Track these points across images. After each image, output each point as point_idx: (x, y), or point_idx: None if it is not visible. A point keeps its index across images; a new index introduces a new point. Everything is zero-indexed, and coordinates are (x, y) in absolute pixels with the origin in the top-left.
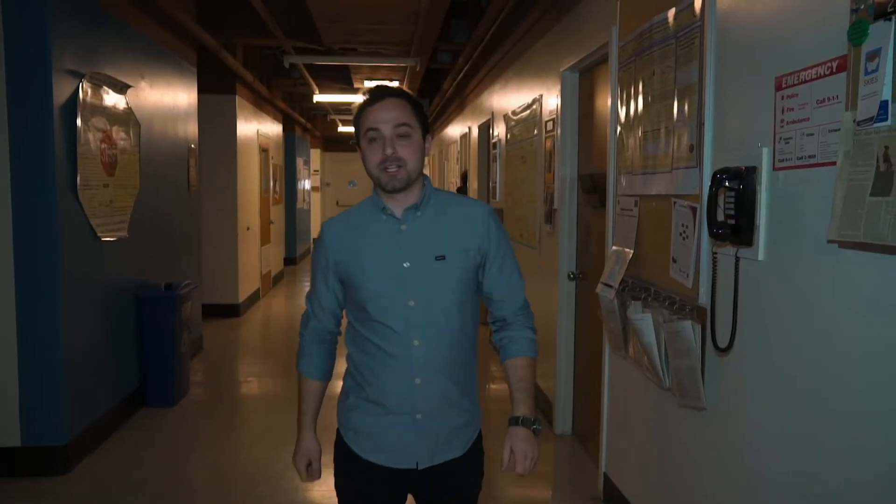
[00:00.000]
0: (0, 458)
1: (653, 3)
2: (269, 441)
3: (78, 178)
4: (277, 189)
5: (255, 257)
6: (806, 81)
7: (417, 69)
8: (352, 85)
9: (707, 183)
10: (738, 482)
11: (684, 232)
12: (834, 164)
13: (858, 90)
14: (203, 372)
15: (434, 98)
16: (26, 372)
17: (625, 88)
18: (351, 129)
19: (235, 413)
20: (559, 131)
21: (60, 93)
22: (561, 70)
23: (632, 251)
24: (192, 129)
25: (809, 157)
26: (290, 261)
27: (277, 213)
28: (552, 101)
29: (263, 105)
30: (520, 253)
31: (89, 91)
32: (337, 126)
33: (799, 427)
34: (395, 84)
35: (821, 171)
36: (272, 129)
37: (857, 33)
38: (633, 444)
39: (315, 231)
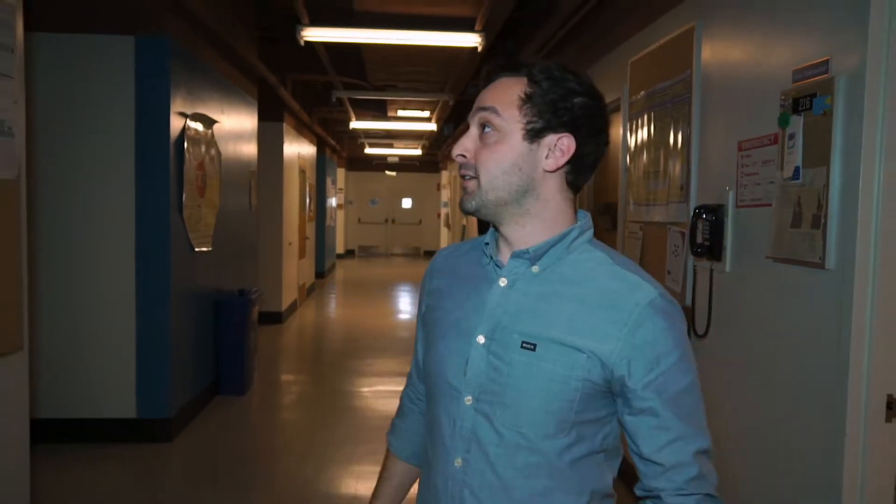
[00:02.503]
0: (120, 426)
1: (654, 74)
2: (318, 424)
3: (183, 199)
4: (311, 207)
5: (294, 270)
6: (756, 147)
7: (450, 103)
8: (385, 113)
9: (691, 214)
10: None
11: (676, 251)
12: (770, 205)
13: (784, 157)
14: (259, 370)
15: (460, 124)
16: (142, 357)
17: (633, 136)
18: (377, 150)
19: (290, 402)
20: None
21: (173, 130)
22: None
23: None
24: (253, 154)
25: (758, 199)
26: (319, 275)
27: (310, 230)
28: None
29: (303, 130)
30: None
31: (191, 128)
32: (364, 147)
33: (753, 391)
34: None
35: (765, 209)
36: (309, 151)
37: (783, 120)
38: None
39: (340, 247)
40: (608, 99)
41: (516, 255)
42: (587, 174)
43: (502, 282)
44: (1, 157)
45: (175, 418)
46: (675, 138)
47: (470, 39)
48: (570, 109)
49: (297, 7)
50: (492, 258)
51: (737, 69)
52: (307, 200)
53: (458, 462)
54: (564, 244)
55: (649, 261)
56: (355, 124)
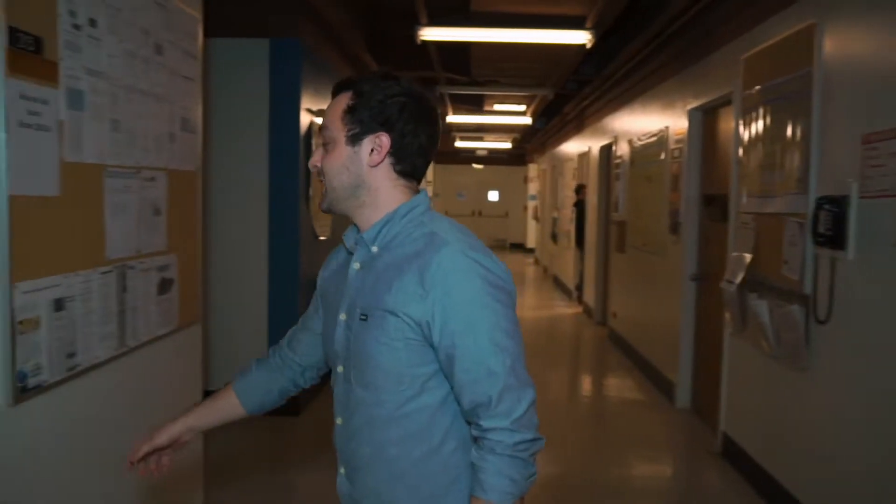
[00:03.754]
0: None
1: (770, 70)
2: None
3: (310, 190)
4: None
5: None
6: (884, 140)
7: (550, 98)
8: (482, 107)
9: (812, 206)
10: (827, 425)
11: (793, 240)
12: None
13: None
14: None
15: (553, 118)
16: (273, 336)
17: (746, 129)
18: (468, 144)
19: None
20: (686, 159)
21: (302, 126)
22: (688, 108)
23: (750, 255)
24: None
25: (884, 190)
26: None
27: None
28: (678, 132)
29: None
30: (644, 260)
31: (316, 123)
32: (454, 141)
33: (875, 381)
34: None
35: (891, 200)
36: None
37: None
38: (748, 405)
39: None
40: (715, 94)
41: (359, 242)
42: (416, 160)
43: (356, 265)
44: (186, 151)
45: (303, 393)
46: (792, 132)
47: (580, 37)
48: (385, 109)
49: (417, 7)
50: (347, 248)
51: (861, 65)
52: None
53: (339, 420)
54: (395, 221)
55: (763, 250)
56: (451, 118)
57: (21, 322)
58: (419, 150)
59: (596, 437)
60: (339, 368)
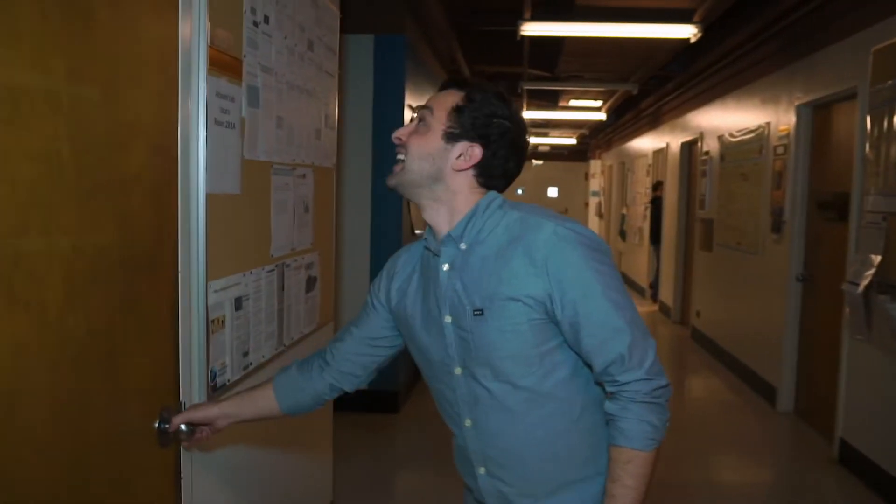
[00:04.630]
0: (353, 397)
1: None
2: None
3: None
4: None
5: None
6: None
7: (634, 93)
8: (557, 103)
9: None
10: None
11: None
12: None
13: None
14: None
15: (625, 114)
16: None
17: (875, 126)
18: (533, 139)
19: None
20: (792, 156)
21: (405, 120)
22: (796, 104)
23: (880, 256)
24: None
25: None
26: None
27: None
28: (782, 128)
29: None
30: (737, 259)
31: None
32: None
33: None
34: (598, 103)
35: None
36: None
37: None
38: (872, 411)
39: None
40: (833, 89)
41: (444, 242)
42: (498, 181)
43: (445, 267)
44: (328, 147)
45: (401, 391)
46: None
47: (685, 31)
48: (487, 126)
49: (523, 2)
50: (432, 251)
51: None
52: None
53: (468, 423)
54: (478, 216)
55: (894, 252)
56: (525, 113)
57: (213, 321)
58: (503, 174)
59: (696, 439)
60: (458, 371)
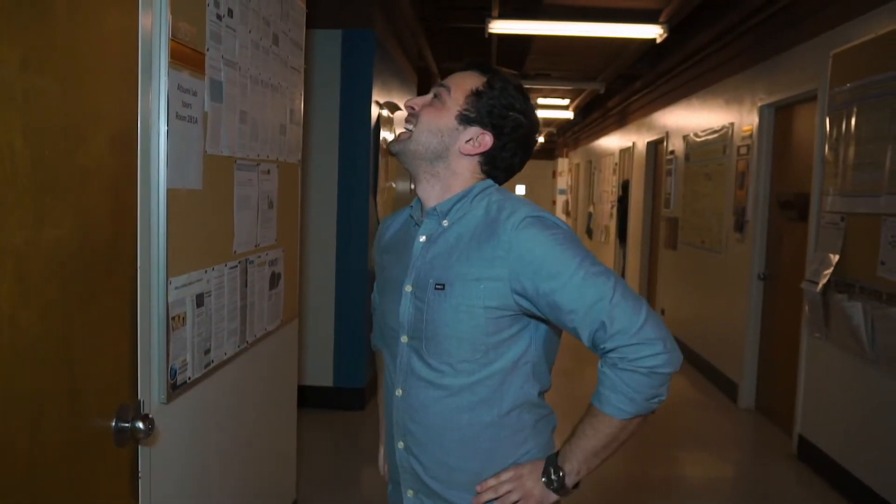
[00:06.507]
0: (318, 394)
1: (865, 67)
2: None
3: (378, 182)
4: None
5: None
6: None
7: (601, 92)
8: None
9: None
10: None
11: (892, 241)
12: None
13: None
14: None
15: (592, 113)
16: (340, 331)
17: (834, 128)
18: None
19: None
20: (755, 156)
21: (372, 118)
22: (759, 105)
23: (838, 256)
24: None
25: None
26: None
27: None
28: (745, 129)
29: None
30: (701, 258)
31: (383, 115)
32: None
33: None
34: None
35: None
36: None
37: None
38: (830, 407)
39: None
40: (794, 91)
41: (429, 214)
42: (500, 172)
43: (422, 238)
44: (293, 143)
45: (367, 387)
46: (892, 130)
47: (652, 31)
48: (503, 118)
49: (492, 0)
50: (414, 220)
51: None
52: None
53: (399, 392)
54: (468, 199)
55: (854, 251)
56: None
57: (173, 318)
58: (507, 167)
59: (658, 435)
60: (404, 339)
